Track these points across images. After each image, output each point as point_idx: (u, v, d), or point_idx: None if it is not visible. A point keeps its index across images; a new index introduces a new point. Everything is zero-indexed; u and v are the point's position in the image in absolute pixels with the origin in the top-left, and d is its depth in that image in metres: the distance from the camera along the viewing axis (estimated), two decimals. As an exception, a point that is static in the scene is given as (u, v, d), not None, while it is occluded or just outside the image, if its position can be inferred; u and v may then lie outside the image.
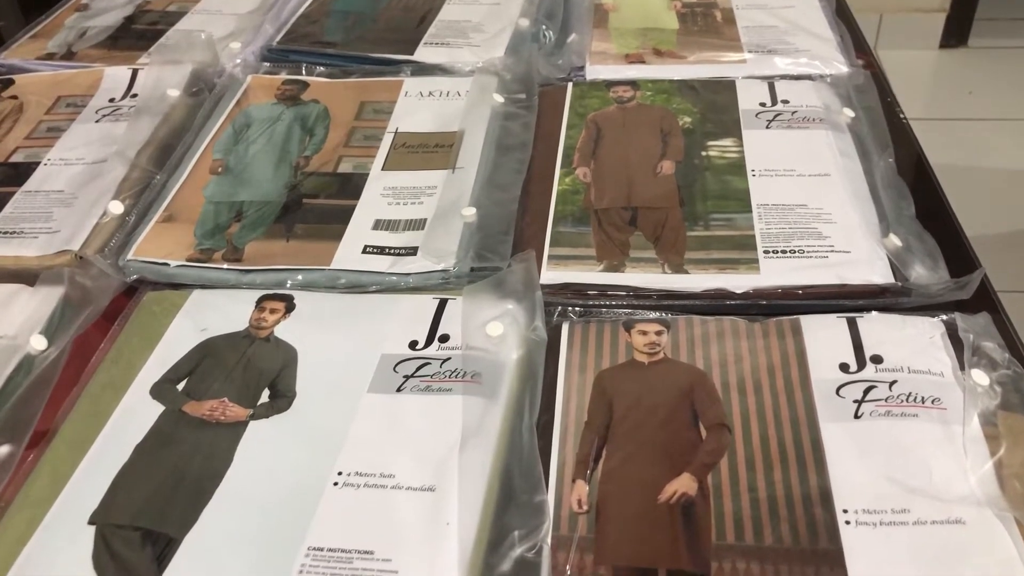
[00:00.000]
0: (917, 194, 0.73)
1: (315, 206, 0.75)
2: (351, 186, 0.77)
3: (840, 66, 0.89)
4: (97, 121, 0.86)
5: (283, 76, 0.91)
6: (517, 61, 0.91)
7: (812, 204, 0.71)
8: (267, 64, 0.94)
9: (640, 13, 1.00)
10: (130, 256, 0.70)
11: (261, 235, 0.72)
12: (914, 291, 0.63)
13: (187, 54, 0.93)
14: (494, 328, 0.60)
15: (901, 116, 0.84)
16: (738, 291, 0.64)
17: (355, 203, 0.74)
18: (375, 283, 0.67)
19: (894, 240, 0.67)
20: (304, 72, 0.92)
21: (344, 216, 0.73)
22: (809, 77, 0.88)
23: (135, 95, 0.89)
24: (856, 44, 0.95)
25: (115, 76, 0.92)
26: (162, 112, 0.86)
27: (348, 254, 0.69)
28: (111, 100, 0.89)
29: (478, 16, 1.00)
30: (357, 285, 0.67)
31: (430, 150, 0.80)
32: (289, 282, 0.68)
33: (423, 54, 0.94)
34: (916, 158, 0.80)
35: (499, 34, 0.96)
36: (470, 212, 0.71)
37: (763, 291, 0.64)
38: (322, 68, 0.92)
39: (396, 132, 0.83)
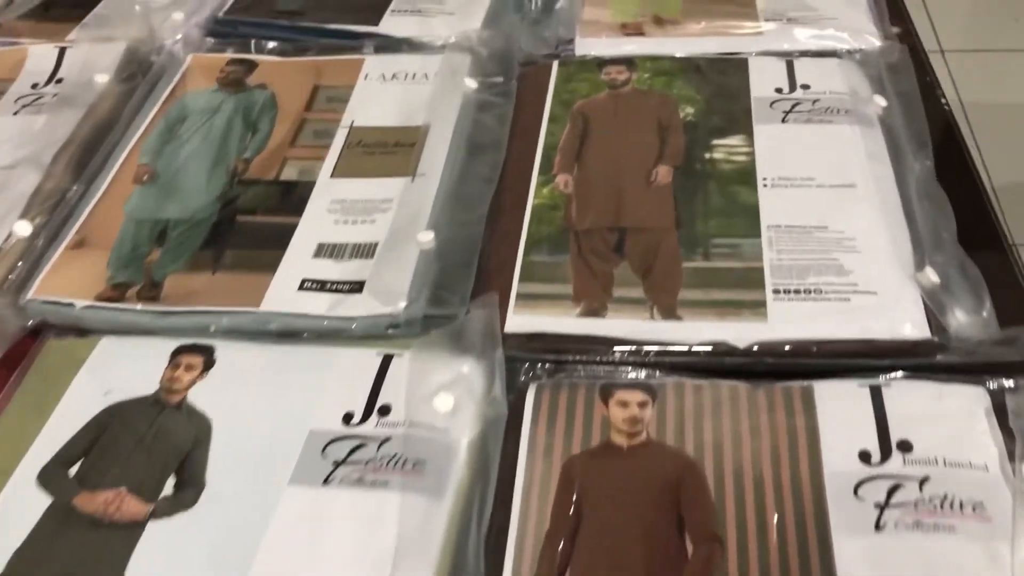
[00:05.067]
0: (959, 206, 0.62)
1: (250, 225, 0.64)
2: (294, 198, 0.66)
3: (872, 39, 0.76)
4: (15, 113, 0.76)
5: (228, 55, 0.80)
6: (495, 34, 0.78)
7: (833, 226, 0.59)
8: (212, 40, 0.82)
9: (641, -30, 0.86)
10: (31, 295, 0.60)
11: (184, 265, 0.61)
12: (953, 346, 0.52)
13: (120, 29, 0.81)
14: (444, 401, 0.50)
15: (943, 103, 0.72)
16: (741, 345, 0.53)
17: (297, 221, 0.64)
18: (312, 329, 0.57)
19: (930, 276, 0.56)
20: (253, 49, 0.80)
21: (283, 238, 0.62)
22: (834, 53, 0.75)
23: (60, 80, 0.78)
24: (889, 4, 0.81)
25: (40, 56, 0.81)
26: (88, 103, 0.75)
27: (282, 291, 0.59)
28: (34, 86, 0.78)
29: (455, -24, 0.87)
30: (291, 331, 0.57)
31: (388, 150, 0.69)
32: (212, 327, 0.58)
33: (389, 25, 0.82)
34: (959, 157, 0.68)
35: (478, -1, 0.83)
36: (427, 238, 0.60)
37: (770, 346, 0.53)
38: (274, 44, 0.81)
39: (352, 127, 0.71)
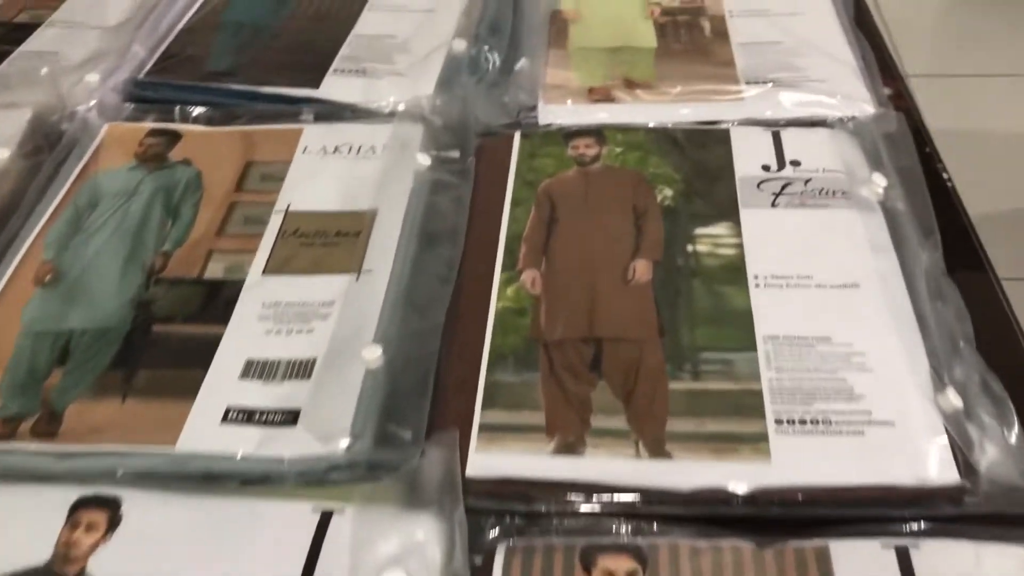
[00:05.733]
0: (972, 303, 0.55)
1: (168, 337, 0.55)
2: (220, 302, 0.57)
3: (865, 105, 0.69)
4: (-99, 196, 0.66)
5: (148, 124, 0.71)
6: (450, 101, 0.70)
7: (838, 336, 0.52)
8: (130, 106, 0.73)
9: (609, 24, 0.79)
10: (-97, 433, 0.51)
11: (90, 389, 0.52)
12: (984, 493, 0.45)
13: (24, 93, 0.72)
14: (393, 580, 0.42)
15: (945, 178, 0.65)
16: (741, 491, 0.46)
17: (222, 331, 0.55)
18: (237, 473, 0.48)
19: (952, 399, 0.49)
20: (177, 116, 0.71)
21: (205, 353, 0.54)
22: (824, 121, 0.68)
23: (-46, 156, 0.69)
24: (880, 63, 0.75)
25: (-69, 126, 0.71)
26: (-16, 184, 0.66)
27: (203, 425, 0.50)
28: (-77, 162, 0.68)
29: (405, 29, 0.79)
30: (213, 475, 0.48)
31: (329, 240, 0.61)
32: (120, 471, 0.49)
33: (331, 87, 0.73)
34: (968, 244, 0.61)
35: (430, 57, 0.75)
36: (374, 354, 0.52)
37: (775, 493, 0.46)
38: (201, 108, 0.72)
39: (288, 211, 0.63)
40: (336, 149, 0.67)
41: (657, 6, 0.81)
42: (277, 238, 0.61)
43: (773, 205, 0.61)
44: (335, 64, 0.75)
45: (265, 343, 0.54)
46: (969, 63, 2.06)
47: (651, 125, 0.68)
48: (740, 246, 0.58)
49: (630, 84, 0.72)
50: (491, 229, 0.61)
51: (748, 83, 0.71)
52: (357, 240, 0.60)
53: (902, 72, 0.76)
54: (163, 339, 0.55)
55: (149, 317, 0.56)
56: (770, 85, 0.70)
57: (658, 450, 0.48)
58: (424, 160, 0.65)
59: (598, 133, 0.67)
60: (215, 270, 0.59)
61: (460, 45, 0.74)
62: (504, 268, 0.58)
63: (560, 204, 0.62)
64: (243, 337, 0.55)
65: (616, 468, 0.47)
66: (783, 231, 0.59)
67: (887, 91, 0.72)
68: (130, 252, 0.60)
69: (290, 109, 0.71)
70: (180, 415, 0.50)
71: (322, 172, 0.66)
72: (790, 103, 0.69)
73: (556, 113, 0.70)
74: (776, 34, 0.76)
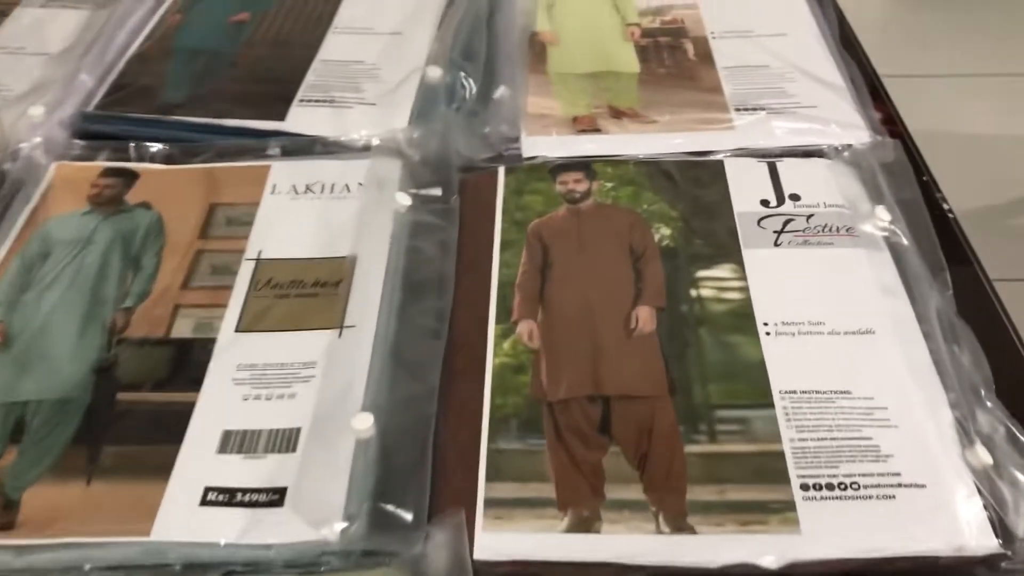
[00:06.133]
0: (983, 341, 0.53)
1: (135, 407, 0.51)
2: (190, 365, 0.52)
3: (860, 133, 0.66)
4: None
5: (101, 164, 0.65)
6: (427, 133, 0.66)
7: (858, 389, 0.50)
8: (80, 142, 0.67)
9: (589, 47, 0.76)
10: None
11: (49, 471, 0.48)
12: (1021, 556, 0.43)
13: (-37, 131, 0.66)
14: None
15: (946, 210, 0.63)
16: (772, 567, 0.43)
17: (195, 398, 0.51)
18: (221, 562, 0.44)
19: (981, 455, 0.46)
20: (133, 153, 0.66)
21: (178, 425, 0.49)
22: (820, 152, 0.65)
23: None
24: (868, 84, 0.72)
25: None
26: (-80, 234, 0.60)
27: (179, 509, 0.46)
28: None
29: (373, 52, 0.75)
30: (193, 566, 0.44)
31: (307, 291, 0.56)
32: (88, 565, 0.44)
33: (298, 119, 0.69)
34: (974, 280, 0.59)
35: (402, 85, 0.71)
36: (365, 424, 0.48)
37: (808, 567, 0.43)
38: (159, 144, 0.67)
39: (259, 259, 0.58)
40: (308, 188, 0.63)
41: (636, 27, 0.78)
42: (249, 290, 0.56)
43: (776, 244, 0.58)
44: (301, 93, 0.71)
45: (244, 411, 0.50)
46: (925, 63, 2.07)
47: (641, 157, 0.65)
48: (746, 289, 0.55)
49: (615, 112, 0.69)
50: (481, 276, 0.57)
51: (738, 110, 0.68)
52: (337, 291, 0.56)
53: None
54: (130, 410, 0.50)
55: (113, 384, 0.51)
56: (762, 113, 0.67)
57: (680, 524, 0.44)
58: (404, 200, 0.61)
59: (586, 167, 0.64)
60: (183, 328, 0.54)
61: (435, 72, 0.70)
62: (498, 319, 0.54)
63: (553, 246, 0.58)
64: (219, 405, 0.50)
65: (636, 546, 0.44)
66: (789, 272, 0.56)
67: (878, 115, 0.70)
68: (88, 309, 0.55)
69: (255, 144, 0.67)
70: (153, 498, 0.46)
71: (294, 214, 0.61)
72: (783, 132, 0.66)
73: (540, 145, 0.66)
74: (762, 57, 0.73)
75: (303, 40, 0.77)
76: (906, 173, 0.63)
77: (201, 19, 0.79)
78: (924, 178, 0.65)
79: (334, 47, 0.76)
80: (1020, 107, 1.96)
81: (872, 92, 0.72)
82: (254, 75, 0.73)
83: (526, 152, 0.66)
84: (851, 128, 0.67)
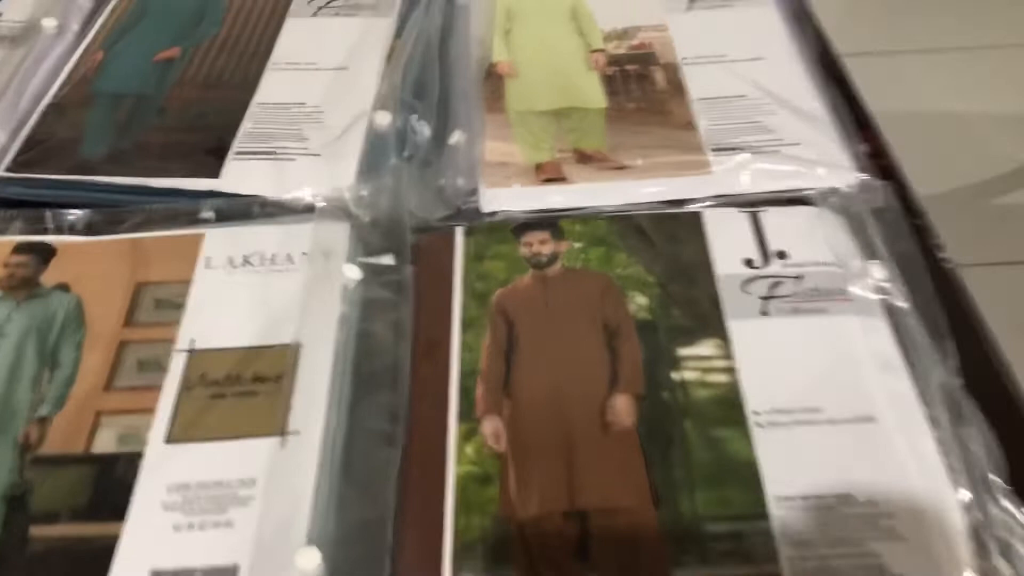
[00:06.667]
0: (993, 418, 0.48)
1: (51, 545, 0.45)
2: (113, 488, 0.47)
3: (846, 173, 0.61)
4: None
5: (14, 238, 0.59)
6: (377, 189, 0.60)
7: (861, 493, 0.45)
8: (-10, 212, 0.61)
9: (550, 79, 0.70)
10: None
11: (-49, 632, 0.42)
12: None
13: None
14: None
15: (945, 261, 0.58)
16: None
17: (118, 530, 0.45)
18: None
19: (1002, 571, 0.42)
20: (50, 221, 0.60)
21: (98, 566, 0.43)
22: (805, 199, 0.60)
23: None
24: (853, 112, 0.67)
25: None
26: None
27: (102, 677, 0.40)
28: None
29: (315, 92, 0.68)
30: None
31: (245, 389, 0.50)
32: None
33: (234, 176, 0.62)
34: (981, 349, 0.54)
35: (348, 132, 0.65)
36: (312, 563, 0.42)
37: None
38: (77, 211, 0.60)
39: (192, 350, 0.52)
40: (246, 260, 0.57)
41: (601, 53, 0.71)
42: (180, 390, 0.50)
43: (763, 313, 0.53)
44: (236, 144, 0.64)
45: (174, 545, 0.44)
46: (889, 39, 2.02)
47: (611, 210, 0.59)
48: (732, 370, 0.50)
49: (582, 156, 0.63)
50: (440, 364, 0.51)
51: (715, 151, 0.62)
52: (279, 387, 0.50)
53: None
54: (44, 548, 0.44)
55: (24, 517, 0.45)
56: (740, 154, 0.62)
57: (670, 670, 0.39)
58: (353, 273, 0.55)
59: (553, 225, 0.58)
60: (105, 441, 0.48)
61: (383, 119, 0.64)
62: (461, 417, 0.49)
63: (518, 321, 0.53)
64: (146, 538, 0.44)
65: None
66: (779, 348, 0.51)
67: (863, 147, 0.64)
68: (-3, 421, 0.49)
69: (186, 208, 0.60)
70: (71, 664, 0.40)
71: (230, 292, 0.55)
72: (765, 177, 0.61)
73: (500, 199, 0.61)
74: (738, 85, 0.68)
75: (238, 79, 0.70)
76: (899, 220, 0.58)
77: (124, 58, 0.72)
78: (917, 222, 0.60)
79: (273, 86, 0.69)
80: (984, 81, 1.92)
81: (857, 119, 0.66)
82: (184, 123, 0.67)
83: (485, 207, 0.60)
84: (837, 169, 0.61)
